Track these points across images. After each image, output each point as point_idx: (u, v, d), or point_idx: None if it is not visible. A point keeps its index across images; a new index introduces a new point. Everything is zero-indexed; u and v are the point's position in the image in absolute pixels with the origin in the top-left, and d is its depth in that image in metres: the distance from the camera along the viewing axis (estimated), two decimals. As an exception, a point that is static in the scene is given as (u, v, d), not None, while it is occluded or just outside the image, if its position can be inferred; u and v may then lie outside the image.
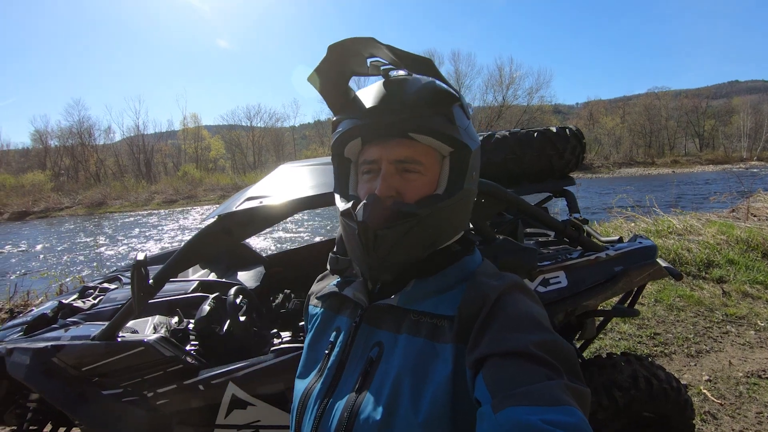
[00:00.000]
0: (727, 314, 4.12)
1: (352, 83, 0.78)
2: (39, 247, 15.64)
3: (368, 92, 0.71)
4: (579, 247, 1.81)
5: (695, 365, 3.32)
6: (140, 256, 1.34)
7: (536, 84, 57.22)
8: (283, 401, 1.53)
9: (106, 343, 1.54)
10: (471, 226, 1.67)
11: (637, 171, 46.71)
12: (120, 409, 1.54)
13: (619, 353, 2.03)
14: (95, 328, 1.68)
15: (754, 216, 7.78)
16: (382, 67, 0.71)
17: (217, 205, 2.12)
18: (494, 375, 0.54)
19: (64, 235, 19.12)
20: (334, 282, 0.82)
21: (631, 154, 56.45)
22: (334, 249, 0.88)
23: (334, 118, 0.75)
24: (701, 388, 2.98)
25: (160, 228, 19.43)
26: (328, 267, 0.86)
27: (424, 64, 0.68)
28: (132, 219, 24.68)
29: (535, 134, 1.89)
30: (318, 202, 1.52)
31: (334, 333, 0.76)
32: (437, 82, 0.70)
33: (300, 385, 0.75)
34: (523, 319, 0.61)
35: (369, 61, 0.72)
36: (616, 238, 2.23)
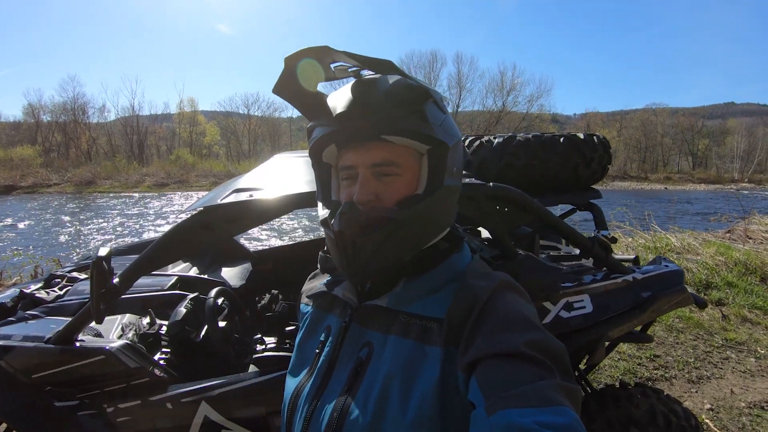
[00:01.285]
0: (727, 339, 4.02)
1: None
2: (22, 224, 15.22)
3: (337, 96, 0.69)
4: (604, 268, 1.64)
5: (696, 392, 3.20)
6: (102, 251, 1.12)
7: (537, 92, 57.10)
8: (263, 427, 1.34)
9: (62, 348, 1.33)
10: (490, 236, 1.50)
11: (630, 185, 47.15)
12: (74, 423, 1.33)
13: (632, 383, 1.88)
14: (56, 325, 1.47)
15: (750, 238, 7.71)
16: (349, 69, 0.69)
17: (206, 192, 1.91)
18: (487, 377, 0.54)
19: (48, 213, 18.67)
20: (325, 281, 0.82)
21: (625, 168, 56.95)
22: (325, 248, 0.84)
23: (309, 125, 0.74)
24: (703, 417, 2.86)
25: (148, 211, 19.06)
26: (318, 266, 0.84)
27: (385, 66, 0.64)
28: (121, 200, 24.23)
29: (561, 139, 1.71)
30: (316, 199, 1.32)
31: (324, 332, 0.76)
32: (407, 80, 0.67)
33: (290, 384, 0.75)
34: (514, 319, 0.61)
35: (333, 66, 0.70)
36: (632, 257, 2.07)
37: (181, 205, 21.31)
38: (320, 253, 0.83)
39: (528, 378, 0.52)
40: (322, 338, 0.75)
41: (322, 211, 0.74)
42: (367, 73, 0.70)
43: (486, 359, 0.56)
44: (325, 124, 0.69)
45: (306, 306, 0.86)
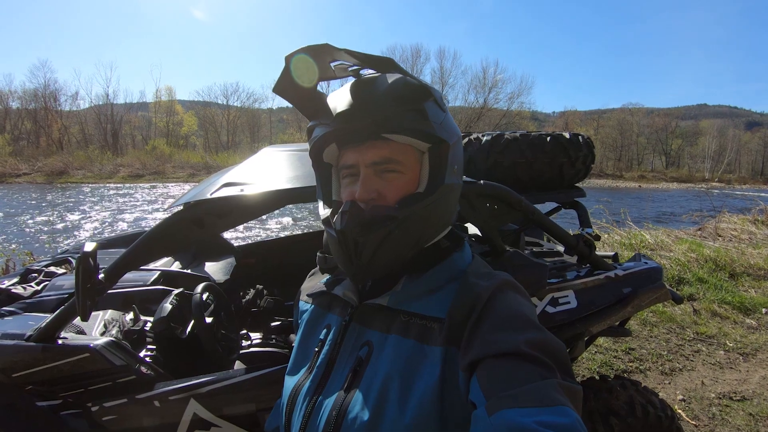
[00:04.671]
0: (698, 333, 4.17)
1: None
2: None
3: (338, 96, 0.69)
4: (587, 264, 1.68)
5: (669, 383, 3.32)
6: (88, 247, 1.09)
7: (518, 89, 57.71)
8: (253, 424, 1.33)
9: (43, 346, 1.28)
10: (479, 233, 1.52)
11: (606, 183, 48.24)
12: (57, 423, 1.29)
13: (611, 376, 1.94)
14: (34, 322, 1.42)
15: (720, 236, 8.00)
16: (349, 68, 0.69)
17: (194, 184, 1.87)
18: (488, 377, 0.54)
19: (18, 204, 17.99)
20: (324, 280, 0.81)
21: (602, 166, 58.16)
22: (322, 248, 0.84)
23: (309, 124, 0.74)
24: (676, 407, 2.97)
25: (126, 202, 18.55)
26: (318, 266, 0.84)
27: (386, 63, 0.65)
28: (95, 191, 23.52)
29: (548, 138, 1.74)
30: (309, 195, 1.31)
31: (324, 330, 0.76)
32: (407, 78, 0.68)
33: (289, 382, 0.75)
34: (515, 318, 0.61)
35: (333, 64, 0.70)
36: (612, 253, 2.12)
37: (156, 195, 20.81)
38: (318, 253, 0.82)
39: (529, 378, 0.52)
40: (321, 336, 0.75)
41: (323, 211, 0.74)
42: (367, 73, 0.70)
43: (487, 359, 0.56)
44: (326, 124, 0.69)
45: (305, 304, 0.85)
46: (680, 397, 3.10)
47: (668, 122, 69.54)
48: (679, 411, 2.91)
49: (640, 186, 45.49)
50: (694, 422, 2.82)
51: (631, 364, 3.54)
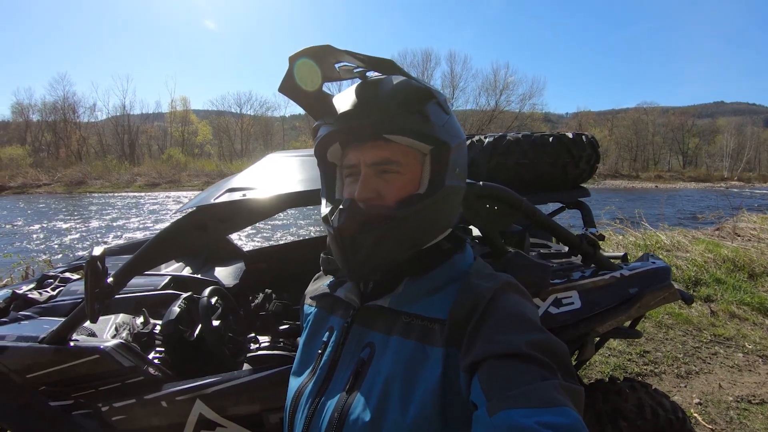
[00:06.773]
0: (716, 335, 4.07)
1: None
2: (11, 225, 15.04)
3: (342, 96, 0.70)
4: (592, 265, 1.67)
5: (685, 387, 3.25)
6: (97, 251, 1.13)
7: (530, 91, 57.44)
8: (257, 424, 1.35)
9: (56, 348, 1.33)
10: (480, 234, 1.52)
11: (622, 183, 47.58)
12: (69, 423, 1.33)
13: (621, 378, 1.91)
14: (49, 326, 1.47)
15: (738, 236, 7.81)
16: (354, 70, 0.70)
17: (199, 192, 1.91)
18: (489, 378, 0.54)
19: (38, 213, 18.47)
20: (327, 282, 0.82)
21: (617, 167, 57.41)
22: (326, 250, 0.84)
23: (315, 124, 0.75)
24: (692, 411, 2.90)
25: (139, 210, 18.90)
26: (321, 268, 0.85)
27: (386, 65, 0.67)
28: (113, 200, 24.00)
29: (551, 139, 1.73)
30: (310, 198, 1.34)
31: (327, 332, 0.76)
32: (411, 81, 0.69)
33: (293, 383, 0.75)
34: (516, 319, 0.61)
35: (337, 66, 0.71)
36: (621, 254, 2.09)
37: (166, 202, 21.15)
38: (322, 254, 0.83)
39: (530, 378, 0.52)
40: (324, 338, 0.75)
41: (324, 209, 0.75)
42: (373, 75, 0.71)
43: (488, 360, 0.56)
44: (329, 123, 0.70)
45: (309, 307, 0.86)
46: (696, 400, 3.03)
47: (684, 121, 68.41)
48: (696, 415, 2.84)
49: (656, 186, 44.74)
50: (710, 426, 2.75)
51: (645, 367, 3.47)
